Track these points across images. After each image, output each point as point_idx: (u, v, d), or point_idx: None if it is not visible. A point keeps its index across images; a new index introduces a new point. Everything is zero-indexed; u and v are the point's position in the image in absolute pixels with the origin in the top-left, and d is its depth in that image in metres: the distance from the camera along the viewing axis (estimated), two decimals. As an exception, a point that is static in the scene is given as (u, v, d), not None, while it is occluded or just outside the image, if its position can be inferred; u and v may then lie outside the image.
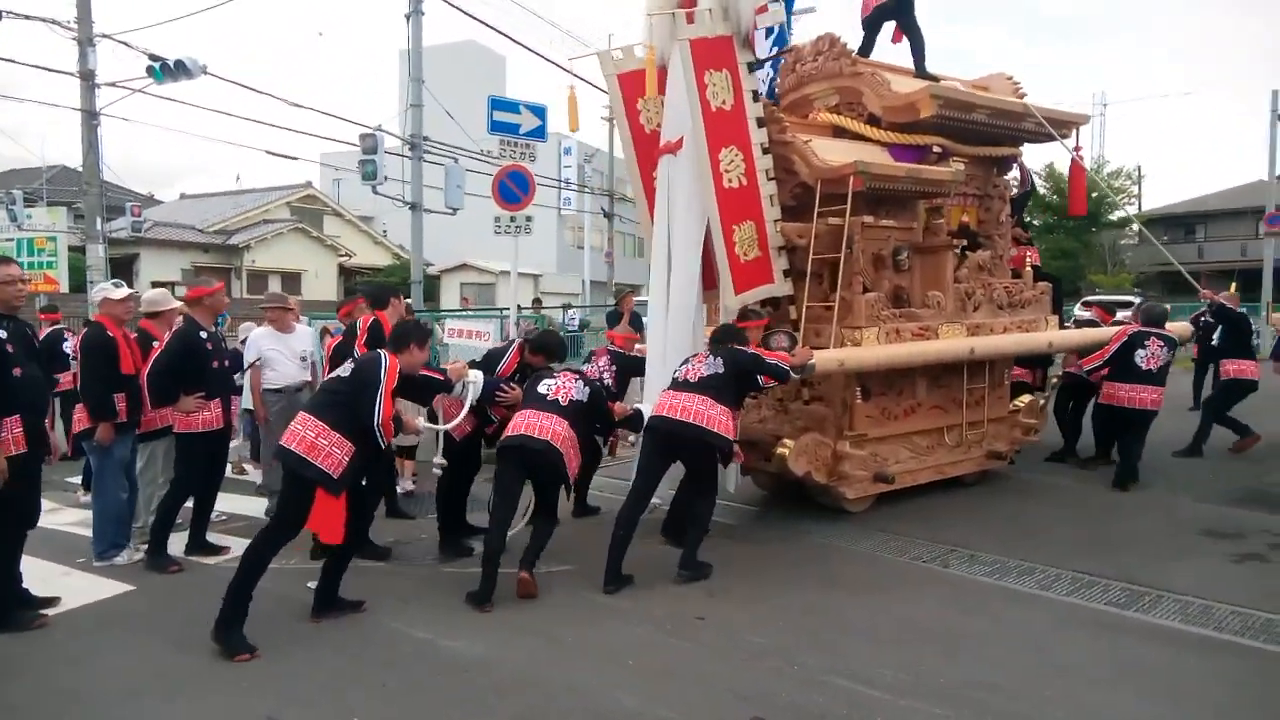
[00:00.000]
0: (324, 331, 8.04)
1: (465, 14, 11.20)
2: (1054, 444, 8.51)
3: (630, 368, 6.15)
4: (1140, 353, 7.21)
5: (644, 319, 10.22)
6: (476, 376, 5.12)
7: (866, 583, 5.15)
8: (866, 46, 7.47)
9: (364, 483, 4.66)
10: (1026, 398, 7.75)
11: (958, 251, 6.97)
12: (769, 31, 6.87)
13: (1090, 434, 8.34)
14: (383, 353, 4.43)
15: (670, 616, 4.58)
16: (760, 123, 5.86)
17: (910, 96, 6.52)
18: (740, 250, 5.76)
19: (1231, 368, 8.50)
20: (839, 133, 6.73)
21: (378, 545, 5.69)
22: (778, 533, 6.17)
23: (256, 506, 6.94)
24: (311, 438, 4.18)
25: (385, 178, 12.34)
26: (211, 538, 5.90)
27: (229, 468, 6.87)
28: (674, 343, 5.82)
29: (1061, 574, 5.21)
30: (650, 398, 5.75)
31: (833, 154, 6.14)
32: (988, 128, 6.98)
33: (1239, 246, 32.04)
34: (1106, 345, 7.38)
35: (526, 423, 4.91)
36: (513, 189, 8.25)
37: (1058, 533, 6.08)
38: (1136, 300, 18.04)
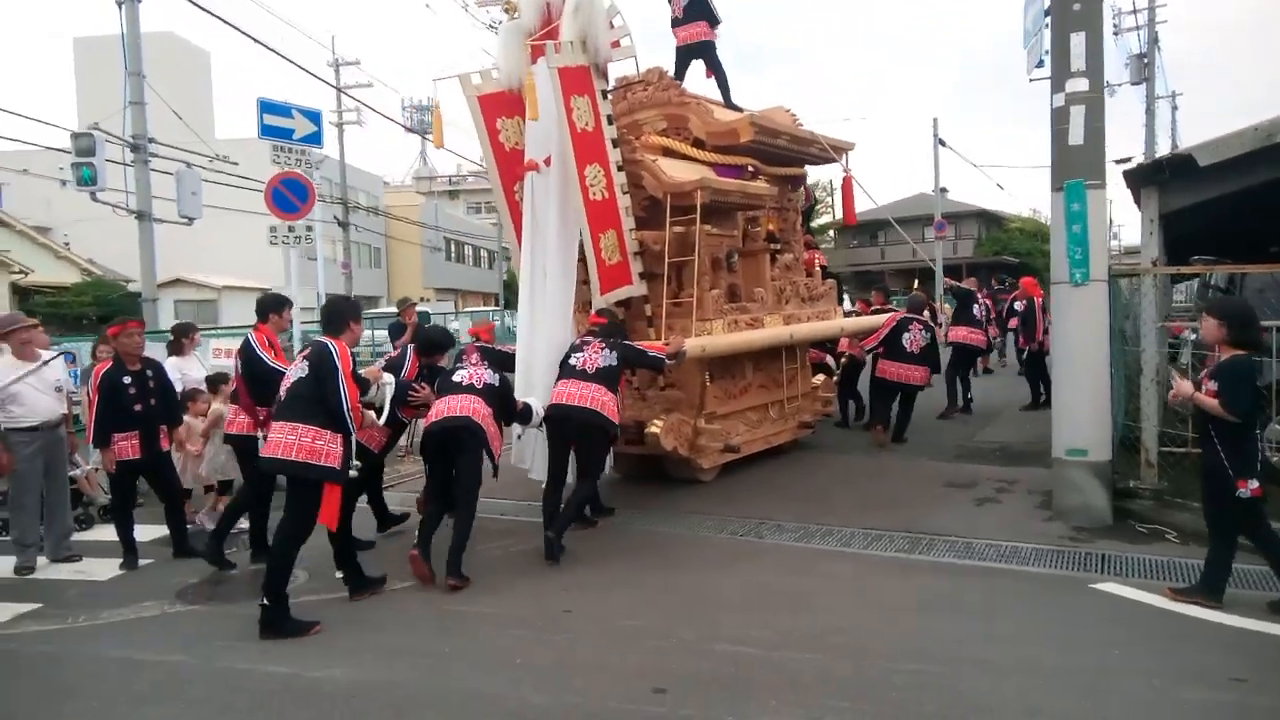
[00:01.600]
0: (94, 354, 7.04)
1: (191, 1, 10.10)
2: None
3: (502, 362, 6.13)
4: (906, 336, 8.72)
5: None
6: (390, 379, 5.26)
7: (702, 560, 5.61)
8: (678, 77, 8.22)
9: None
10: (821, 376, 9.16)
11: (770, 255, 8.10)
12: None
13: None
14: (326, 340, 4.53)
15: (538, 614, 4.69)
16: (615, 143, 6.45)
17: (732, 123, 7.46)
18: (606, 255, 6.31)
19: (956, 334, 10.30)
20: (668, 153, 7.44)
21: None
22: (604, 525, 6.45)
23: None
24: (309, 442, 4.39)
25: (106, 185, 10.86)
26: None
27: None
28: (548, 337, 6.29)
29: (855, 532, 6.03)
30: (529, 391, 6.07)
31: (677, 171, 6.90)
32: (786, 151, 8.20)
33: (911, 249, 37.70)
34: (879, 329, 8.82)
35: (447, 406, 5.23)
36: (289, 197, 7.75)
37: (839, 497, 7.00)
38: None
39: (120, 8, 11.67)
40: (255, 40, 11.87)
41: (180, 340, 7.29)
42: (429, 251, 41.00)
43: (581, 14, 6.11)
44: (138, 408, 5.81)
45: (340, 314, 4.78)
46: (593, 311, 6.47)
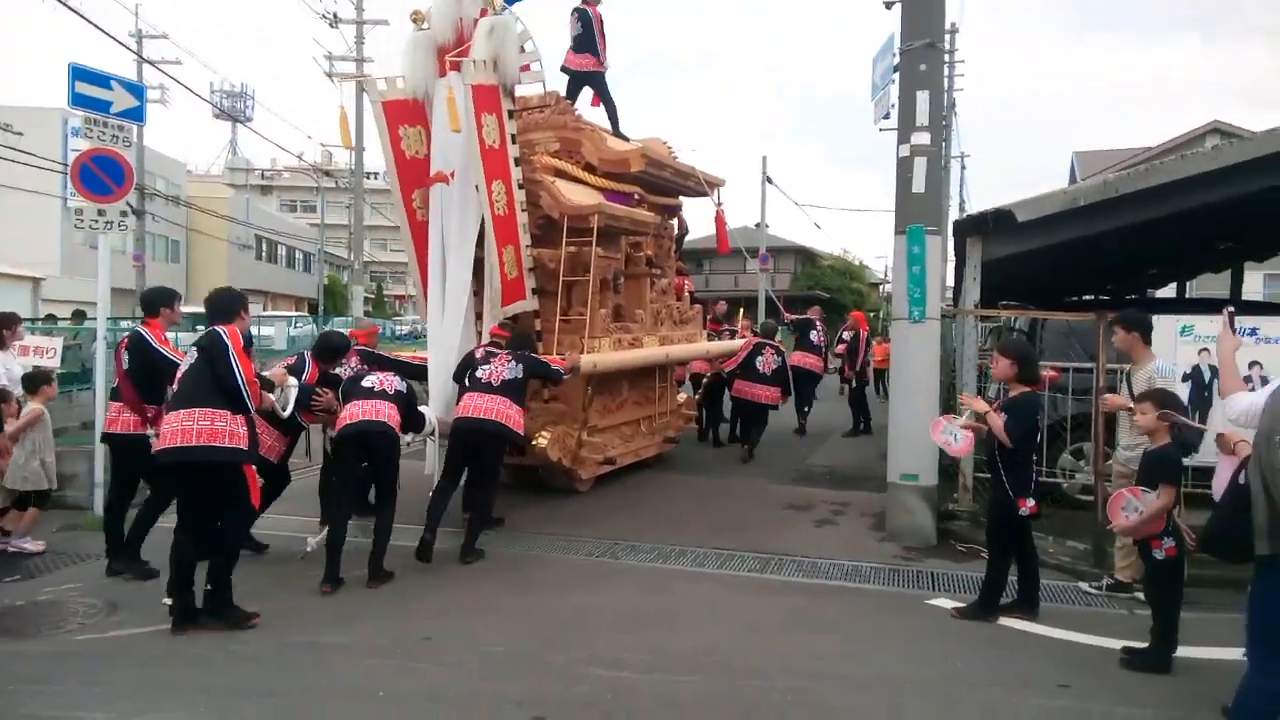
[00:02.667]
0: None
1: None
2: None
3: (385, 365, 6.03)
4: (759, 359, 9.38)
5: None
6: (294, 382, 5.21)
7: (561, 581, 5.51)
8: (570, 99, 8.38)
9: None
10: (684, 395, 9.74)
11: (649, 279, 8.52)
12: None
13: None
14: (216, 327, 4.48)
15: (395, 643, 4.40)
16: (516, 162, 6.63)
17: (623, 152, 7.81)
18: (507, 269, 6.47)
19: (794, 359, 10.90)
20: (560, 175, 7.53)
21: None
22: (453, 548, 6.15)
23: None
24: (207, 425, 4.24)
25: None
26: None
27: None
28: (448, 345, 6.38)
29: (708, 552, 6.15)
30: (436, 401, 6.22)
31: (573, 194, 7.09)
32: (668, 182, 8.66)
33: (733, 279, 39.57)
34: (738, 353, 9.45)
35: (362, 410, 5.24)
36: (101, 177, 6.86)
37: (690, 518, 7.13)
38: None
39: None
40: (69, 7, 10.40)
41: (0, 332, 6.35)
42: (237, 249, 38.01)
43: (495, 36, 6.31)
44: None
45: (229, 303, 4.73)
46: (492, 324, 6.60)
